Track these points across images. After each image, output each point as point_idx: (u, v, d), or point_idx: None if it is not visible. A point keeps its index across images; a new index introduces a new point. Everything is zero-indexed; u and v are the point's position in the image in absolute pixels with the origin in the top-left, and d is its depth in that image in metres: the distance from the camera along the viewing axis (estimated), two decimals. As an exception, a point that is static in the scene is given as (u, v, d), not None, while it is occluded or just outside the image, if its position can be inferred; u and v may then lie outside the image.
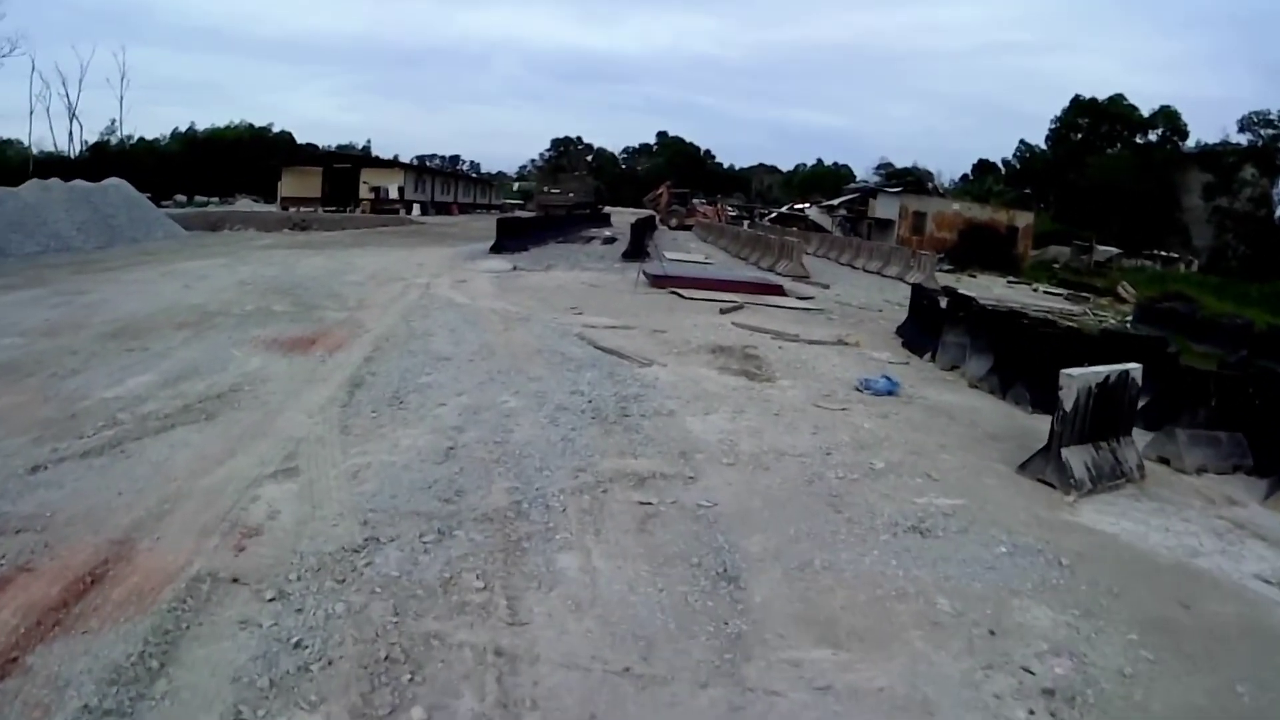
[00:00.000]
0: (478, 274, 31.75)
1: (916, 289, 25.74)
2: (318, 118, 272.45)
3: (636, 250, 40.40)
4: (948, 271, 47.58)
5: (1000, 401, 16.97)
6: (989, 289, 44.85)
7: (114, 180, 45.83)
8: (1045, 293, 48.15)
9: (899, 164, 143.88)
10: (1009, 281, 52.59)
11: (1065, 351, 15.66)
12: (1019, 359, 17.40)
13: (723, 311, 25.25)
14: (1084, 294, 48.54)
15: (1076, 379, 11.85)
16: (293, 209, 76.21)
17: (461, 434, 11.69)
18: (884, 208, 74.22)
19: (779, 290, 31.23)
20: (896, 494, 10.67)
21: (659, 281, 30.46)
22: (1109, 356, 14.52)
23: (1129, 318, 38.71)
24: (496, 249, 40.39)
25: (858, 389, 16.52)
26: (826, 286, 35.86)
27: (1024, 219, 69.64)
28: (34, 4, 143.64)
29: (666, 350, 18.66)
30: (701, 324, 22.74)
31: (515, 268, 34.51)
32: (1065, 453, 11.70)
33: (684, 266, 36.46)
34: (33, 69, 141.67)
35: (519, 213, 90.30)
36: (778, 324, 23.84)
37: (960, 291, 25.29)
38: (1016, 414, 15.92)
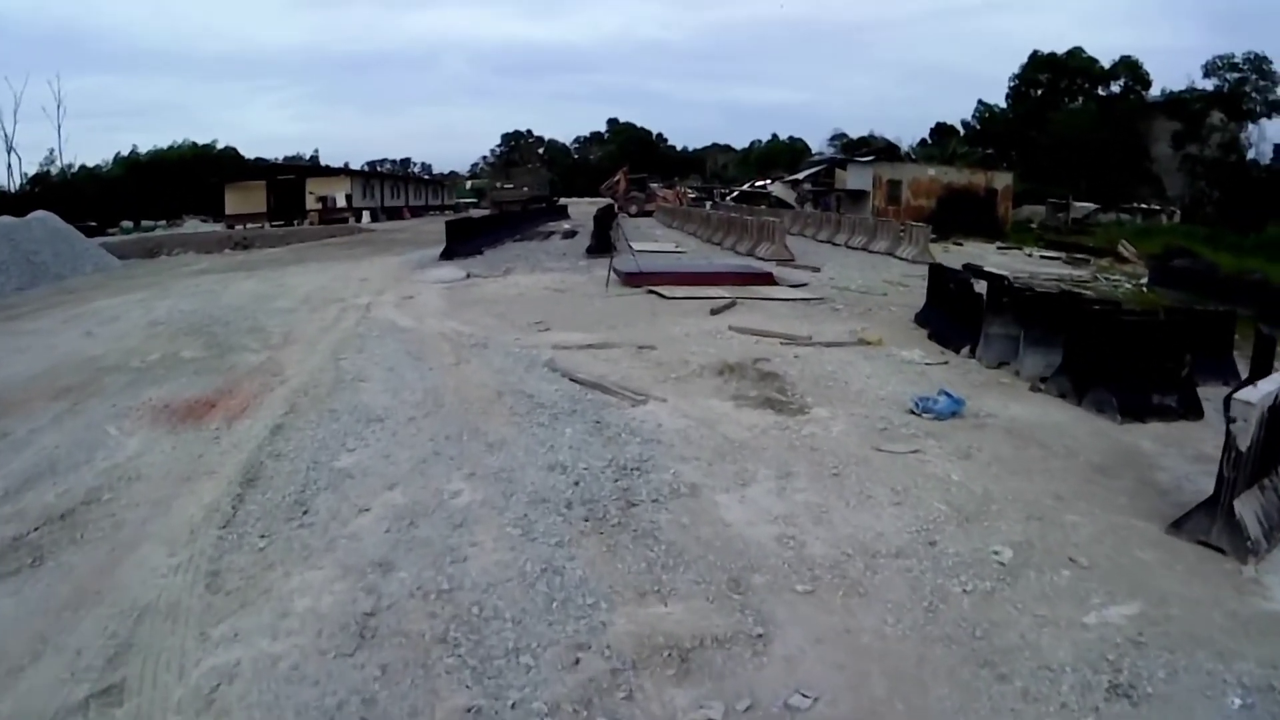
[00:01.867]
0: (426, 286, 27.69)
1: (936, 270, 21.97)
2: (267, 131, 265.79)
3: (602, 244, 35.91)
4: (932, 241, 43.61)
5: (1078, 409, 13.79)
6: (983, 258, 41.01)
7: (39, 214, 42.59)
8: (1041, 258, 44.32)
9: (854, 134, 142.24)
10: (999, 247, 48.88)
11: (1147, 340, 14.02)
12: (1093, 353, 14.35)
13: (714, 312, 21.41)
14: (1082, 256, 44.71)
15: (1256, 403, 8.35)
16: (238, 226, 72.23)
17: (388, 577, 7.64)
18: (856, 178, 69.82)
19: (769, 279, 27.45)
20: (1055, 612, 7.20)
21: (634, 279, 26.43)
22: (1184, 339, 14.16)
23: (1143, 280, 34.99)
24: (447, 255, 36.08)
25: (913, 411, 13.03)
26: (817, 269, 31.95)
27: (1003, 180, 65.83)
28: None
29: (662, 375, 14.88)
30: (694, 331, 18.97)
31: (469, 275, 30.40)
32: (1237, 505, 8.40)
33: (658, 259, 32.24)
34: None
35: (472, 211, 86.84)
36: (781, 323, 20.15)
37: (987, 269, 21.24)
38: (1106, 427, 12.92)
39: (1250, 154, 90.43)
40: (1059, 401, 14.11)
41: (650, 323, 20.19)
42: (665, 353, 16.52)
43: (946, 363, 16.89)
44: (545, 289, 26.34)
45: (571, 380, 14.23)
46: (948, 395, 13.38)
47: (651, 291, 24.74)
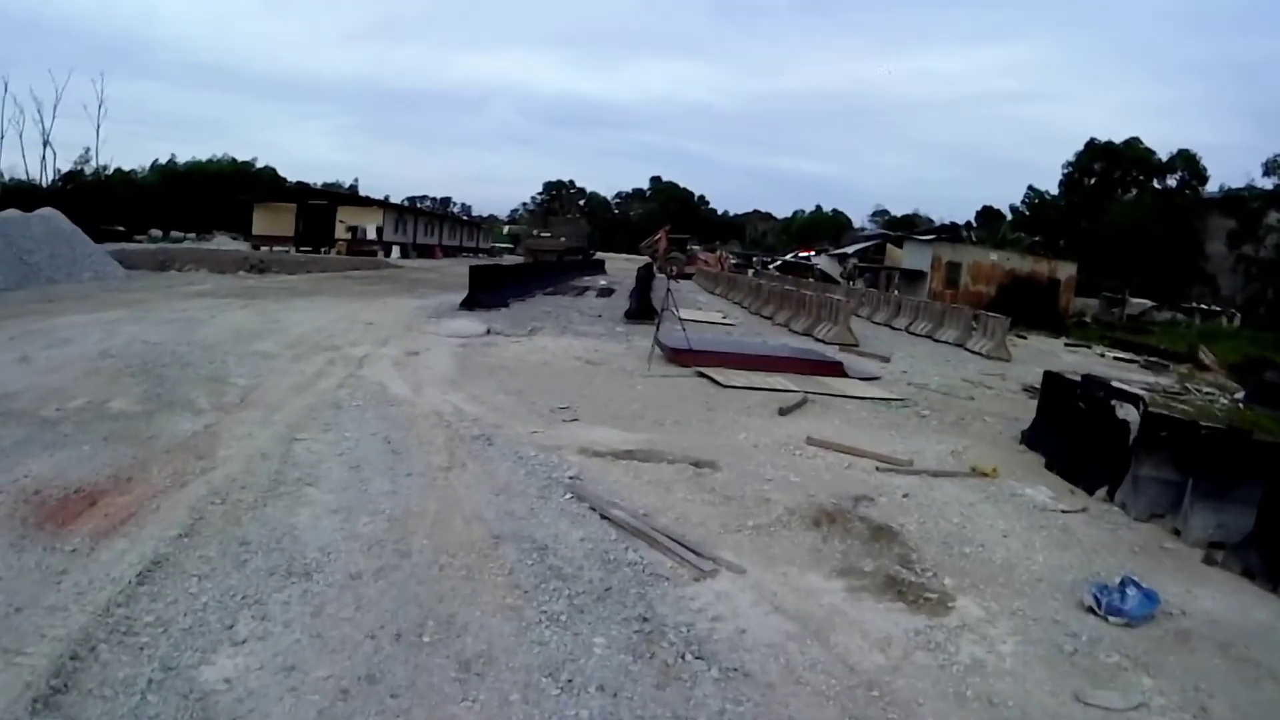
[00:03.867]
0: (438, 341, 23.32)
1: (1053, 380, 17.59)
2: (310, 157, 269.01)
3: (643, 309, 31.63)
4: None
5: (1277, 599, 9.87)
6: (1054, 356, 36.99)
7: (45, 211, 40.07)
8: (1115, 359, 39.92)
9: (896, 211, 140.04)
10: (1066, 344, 44.53)
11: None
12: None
13: (783, 412, 17.02)
14: (1158, 360, 40.18)
15: None
16: (263, 248, 69.94)
17: None
18: (912, 257, 65.40)
19: (839, 370, 22.97)
20: None
21: (681, 357, 22.00)
22: None
23: (1237, 395, 30.62)
24: (468, 304, 31.73)
25: (1093, 610, 8.95)
26: (886, 359, 27.51)
27: (1066, 270, 61.34)
28: (31, 33, 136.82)
29: (733, 519, 10.50)
30: (764, 441, 14.56)
31: (489, 330, 25.94)
32: None
33: (706, 333, 27.74)
34: (4, 92, 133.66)
35: (506, 258, 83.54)
36: (866, 433, 15.97)
37: (1117, 385, 16.78)
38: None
39: None
40: (1248, 585, 10.23)
41: (706, 421, 15.87)
42: (732, 475, 12.16)
43: (1085, 510, 12.65)
44: (576, 359, 21.97)
45: (604, 518, 9.84)
46: (1134, 585, 9.17)
47: (702, 374, 20.42)
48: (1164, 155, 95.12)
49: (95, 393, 14.21)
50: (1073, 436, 15.18)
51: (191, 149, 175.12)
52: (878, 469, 13.39)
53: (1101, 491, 13.38)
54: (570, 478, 11.19)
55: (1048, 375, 18.26)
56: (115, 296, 28.95)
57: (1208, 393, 31.03)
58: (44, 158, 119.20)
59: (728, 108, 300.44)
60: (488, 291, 33.36)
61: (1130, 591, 9.00)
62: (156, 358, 17.39)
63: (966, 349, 32.96)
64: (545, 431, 13.80)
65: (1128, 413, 13.84)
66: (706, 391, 18.74)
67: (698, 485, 11.50)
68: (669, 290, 24.14)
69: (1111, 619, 8.71)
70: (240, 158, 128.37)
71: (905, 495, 12.11)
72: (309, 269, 52.49)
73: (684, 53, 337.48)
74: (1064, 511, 12.39)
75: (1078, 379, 17.34)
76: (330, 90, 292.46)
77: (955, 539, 10.56)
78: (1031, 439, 16.68)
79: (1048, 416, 16.86)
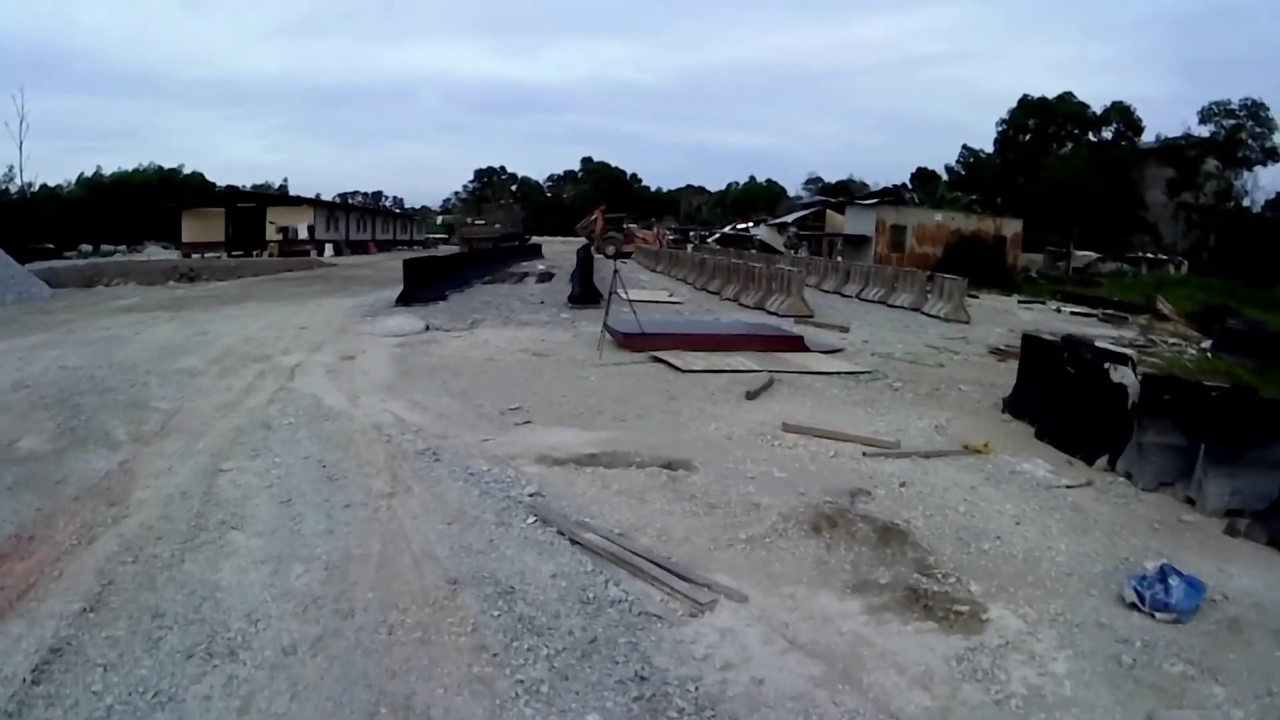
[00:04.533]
0: (374, 342, 21.84)
1: (1034, 344, 16.56)
2: (239, 160, 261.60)
3: (587, 293, 30.35)
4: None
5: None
6: (1011, 314, 36.34)
7: None
8: (1071, 314, 39.09)
9: (829, 179, 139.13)
10: (1020, 301, 43.69)
11: None
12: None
13: (750, 396, 15.80)
14: (1116, 313, 39.32)
15: None
16: (195, 255, 67.42)
17: None
18: (856, 222, 64.28)
19: (800, 344, 21.75)
20: None
21: (633, 341, 20.69)
22: None
23: (1204, 345, 29.97)
24: (405, 299, 30.08)
25: (1137, 606, 7.93)
26: (845, 329, 26.38)
27: (1012, 227, 60.42)
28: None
29: (722, 531, 9.25)
30: (738, 431, 13.36)
31: (427, 326, 24.49)
32: None
33: (655, 313, 26.26)
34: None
35: (441, 248, 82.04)
36: (841, 413, 14.96)
37: (1111, 348, 15.65)
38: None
39: (1245, 201, 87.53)
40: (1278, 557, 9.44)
41: (670, 412, 14.58)
42: (711, 477, 10.87)
43: (1090, 483, 11.66)
44: (522, 351, 20.57)
45: (575, 544, 8.52)
46: (1175, 574, 8.19)
47: (657, 359, 19.14)
48: (1098, 109, 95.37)
49: (4, 431, 12.74)
50: (1062, 402, 14.27)
51: (119, 160, 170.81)
52: (865, 454, 12.29)
53: (1102, 461, 12.51)
54: (531, 495, 9.87)
55: (1027, 338, 17.29)
56: (37, 319, 27.00)
57: (1173, 344, 30.44)
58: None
59: (655, 85, 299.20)
60: (424, 285, 31.83)
61: (1173, 582, 8.05)
62: (74, 385, 15.84)
63: (923, 313, 31.94)
64: (497, 438, 12.47)
65: (1123, 375, 12.93)
66: (665, 378, 17.49)
67: (675, 492, 10.22)
68: (615, 271, 22.75)
69: (1159, 615, 7.76)
70: (167, 165, 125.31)
71: (903, 484, 11.00)
72: (240, 273, 50.67)
73: (608, 32, 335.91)
74: (1069, 487, 11.46)
75: (1058, 340, 16.42)
76: (255, 92, 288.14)
77: (968, 532, 9.48)
78: (1015, 406, 15.73)
79: (1030, 382, 15.89)
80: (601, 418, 13.97)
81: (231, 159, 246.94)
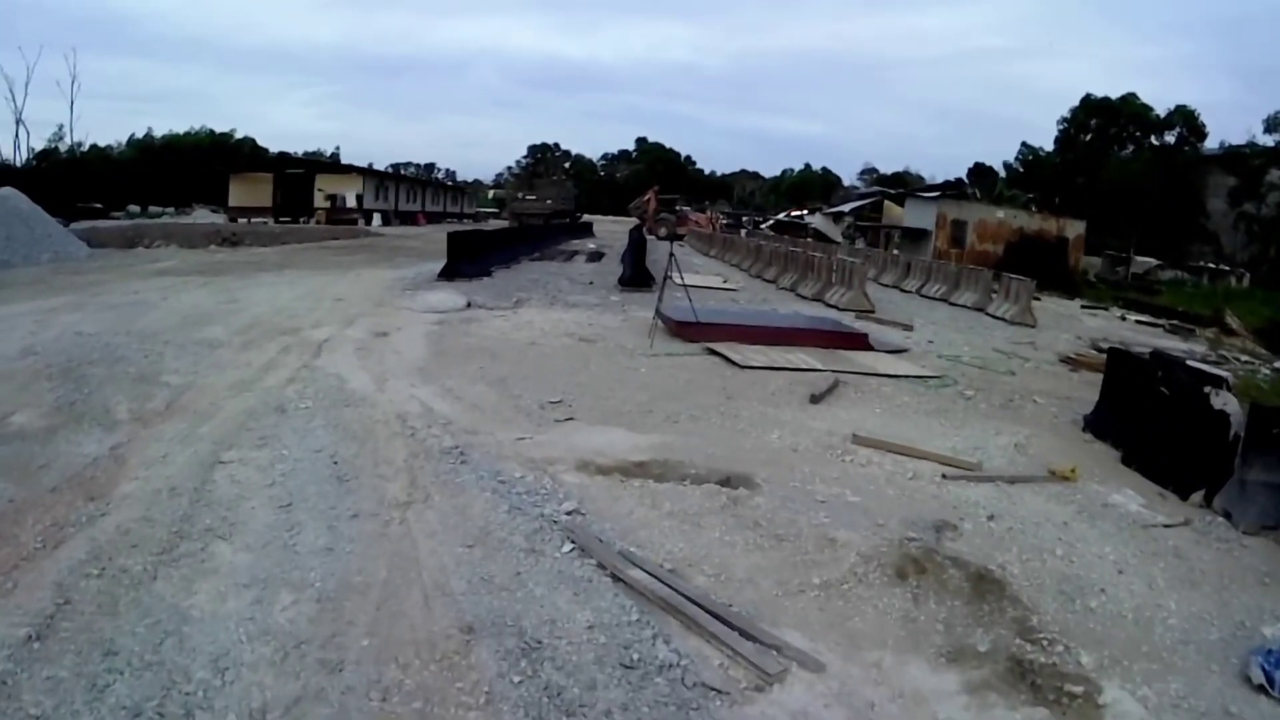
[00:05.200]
0: (412, 318, 20.52)
1: (1122, 359, 15.09)
2: (292, 128, 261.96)
3: (639, 275, 28.93)
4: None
5: None
6: (1075, 319, 34.41)
7: (2, 191, 36.83)
8: (1137, 323, 37.06)
9: (884, 170, 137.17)
10: (1083, 306, 41.58)
11: None
12: None
13: (815, 400, 14.34)
14: (1183, 325, 37.37)
15: None
16: (241, 220, 66.68)
17: None
18: (915, 215, 62.28)
19: (864, 342, 20.24)
20: None
21: (686, 330, 19.23)
22: None
23: (1278, 364, 28.23)
24: (448, 274, 28.67)
25: (1266, 690, 6.67)
26: (909, 328, 24.80)
27: (1074, 229, 58.11)
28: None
29: (791, 571, 7.83)
30: (803, 443, 11.87)
31: (469, 304, 23.11)
32: None
33: (708, 299, 24.49)
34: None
35: (491, 222, 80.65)
36: (912, 423, 13.63)
37: (1208, 369, 14.22)
38: None
39: None
40: None
41: (728, 415, 13.10)
42: (776, 498, 9.44)
43: (1187, 522, 10.35)
44: (567, 335, 19.13)
45: (617, 580, 7.12)
46: None
47: (712, 351, 17.71)
48: (1161, 112, 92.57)
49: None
50: (1153, 427, 12.80)
51: (171, 123, 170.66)
52: (944, 476, 10.86)
53: (1197, 496, 11.16)
54: (568, 513, 8.47)
55: (1113, 352, 15.88)
56: (68, 279, 26.13)
57: (1245, 361, 28.78)
58: (17, 137, 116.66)
59: (712, 67, 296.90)
60: (469, 260, 30.41)
61: (1307, 661, 6.85)
62: (85, 354, 14.71)
63: (988, 314, 30.17)
64: (534, 437, 11.11)
65: (1224, 401, 11.55)
66: (722, 374, 16.03)
67: (736, 517, 8.77)
68: (671, 255, 21.28)
69: (1290, 696, 6.54)
70: (219, 129, 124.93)
71: (991, 517, 9.61)
72: (284, 240, 49.70)
73: (666, 13, 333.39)
74: (1166, 526, 10.12)
75: (1147, 356, 15.25)
76: (311, 60, 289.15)
77: (1071, 583, 8.14)
78: (1097, 425, 14.25)
79: (1115, 400, 14.35)
80: (652, 417, 12.57)
81: (285, 126, 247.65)
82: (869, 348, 19.81)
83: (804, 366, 16.81)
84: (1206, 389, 11.87)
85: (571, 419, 12.18)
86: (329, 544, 7.52)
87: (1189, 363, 14.63)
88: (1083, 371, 20.32)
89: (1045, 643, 6.85)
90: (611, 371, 15.59)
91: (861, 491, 9.91)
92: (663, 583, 7.02)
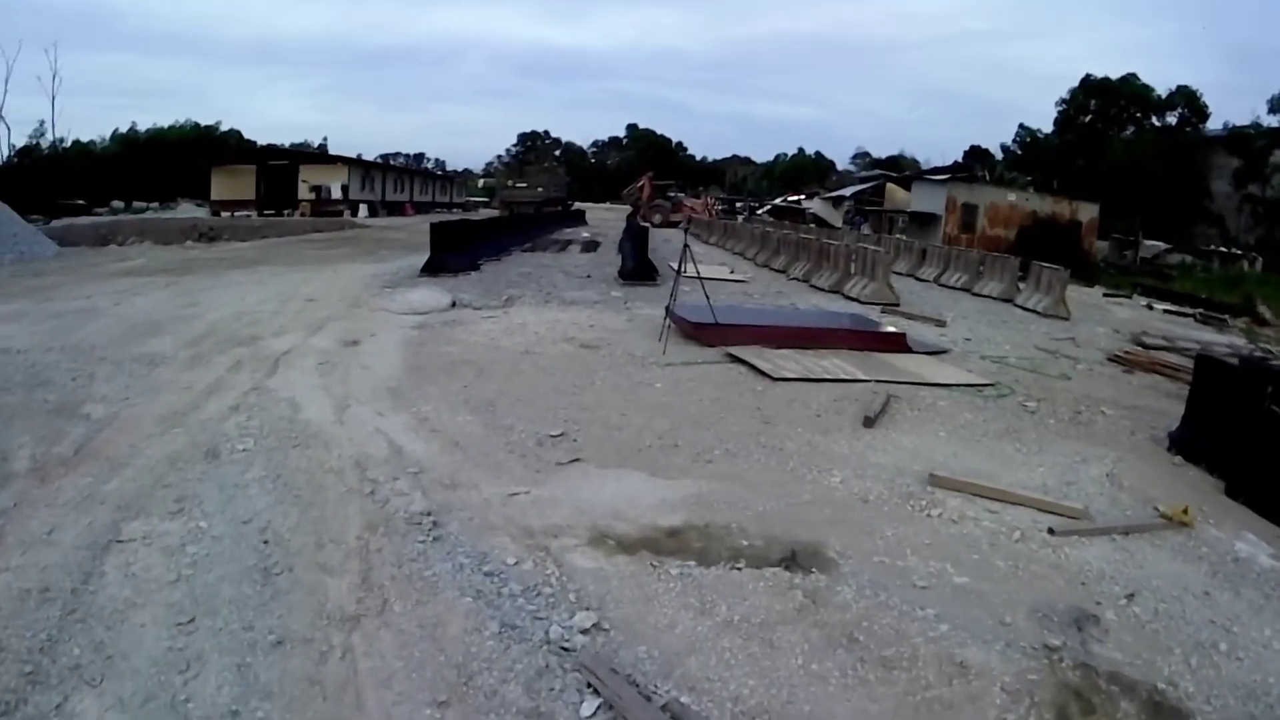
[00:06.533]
0: (388, 321, 18.04)
1: (1212, 367, 12.80)
2: (280, 120, 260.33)
3: (641, 267, 26.51)
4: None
5: None
6: (1103, 309, 32.05)
7: None
8: (1165, 313, 34.57)
9: (877, 154, 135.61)
10: (1106, 294, 39.17)
11: None
12: None
13: (869, 423, 11.84)
14: (1213, 314, 34.94)
15: None
16: (225, 213, 64.24)
17: None
18: (924, 199, 59.40)
19: (903, 343, 17.85)
20: None
21: (703, 333, 16.76)
22: None
23: (1336, 357, 25.96)
24: (431, 269, 26.08)
25: None
26: (942, 323, 22.41)
27: (1087, 212, 55.47)
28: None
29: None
30: (873, 490, 9.40)
31: (454, 303, 20.56)
32: None
33: (720, 293, 21.60)
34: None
35: (481, 211, 78.54)
36: (983, 448, 11.42)
37: None
38: None
39: None
40: None
41: (771, 447, 10.59)
42: (865, 587, 6.98)
43: None
44: (566, 340, 16.60)
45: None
46: None
47: (735, 359, 15.29)
48: (1162, 92, 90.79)
49: None
50: (1265, 453, 10.52)
51: (156, 118, 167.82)
52: (1052, 531, 8.57)
53: None
54: (585, 631, 5.97)
55: (1202, 361, 13.48)
56: (23, 283, 23.45)
57: None
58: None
59: (702, 53, 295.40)
60: (454, 252, 27.76)
61: None
62: (6, 376, 12.33)
63: (1016, 305, 27.77)
64: (531, 491, 8.58)
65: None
66: (752, 388, 13.54)
67: (819, 627, 6.24)
68: (685, 245, 18.72)
69: None
70: (204, 122, 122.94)
71: (1129, 596, 7.36)
72: (264, 234, 46.99)
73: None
74: None
75: (1245, 365, 13.52)
76: (300, 51, 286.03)
77: (1256, 700, 6.06)
78: (1185, 445, 12.15)
79: (1206, 416, 12.14)
80: (678, 454, 10.07)
81: (272, 119, 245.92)
82: (908, 349, 17.46)
83: (845, 377, 14.42)
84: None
85: (578, 459, 9.68)
86: (234, 702, 5.03)
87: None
88: (1137, 373, 18.27)
89: None
90: (622, 388, 13.09)
91: (966, 566, 7.50)
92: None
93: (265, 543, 7.14)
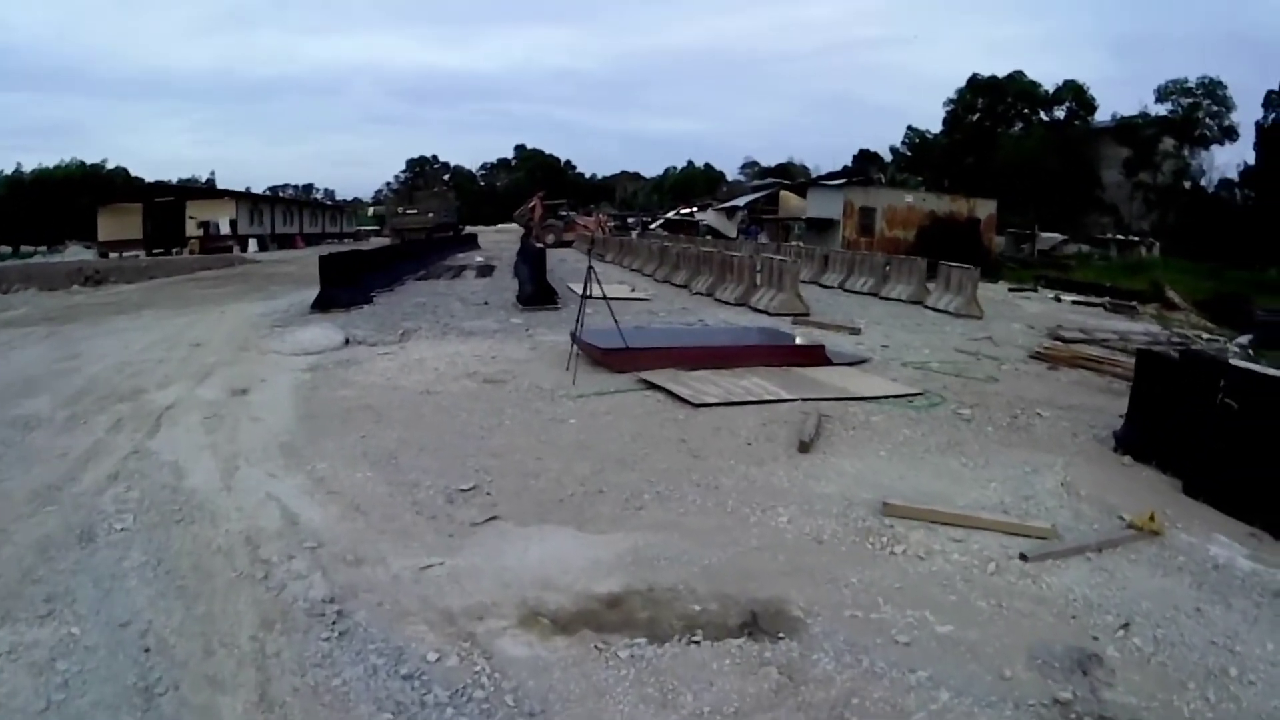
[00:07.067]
0: (279, 364, 16.83)
1: (1152, 361, 12.46)
2: (167, 156, 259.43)
3: (540, 290, 25.54)
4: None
5: None
6: (1012, 305, 32.26)
7: None
8: (1074, 303, 35.05)
9: (766, 162, 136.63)
10: (1010, 289, 39.46)
11: None
12: None
13: (804, 448, 11.04)
14: (1122, 302, 35.26)
15: None
16: (114, 254, 62.71)
17: None
18: (820, 205, 59.49)
19: (822, 355, 17.12)
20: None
21: (614, 359, 15.85)
22: None
23: (1240, 339, 26.88)
24: (322, 304, 24.67)
25: None
26: (856, 331, 21.77)
27: (985, 209, 56.61)
28: None
29: None
30: (826, 526, 8.62)
31: (348, 340, 19.30)
32: None
33: (625, 314, 20.44)
34: None
35: (373, 240, 77.34)
36: (928, 465, 10.86)
37: (1262, 370, 11.42)
38: None
39: (1202, 181, 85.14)
40: None
41: (706, 485, 9.72)
42: (844, 653, 6.15)
43: None
44: (469, 376, 15.54)
45: None
46: None
47: (651, 385, 14.42)
48: (1049, 88, 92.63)
49: None
50: (1219, 447, 10.28)
51: (43, 158, 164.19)
52: (1024, 557, 7.97)
53: None
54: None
55: (1145, 356, 13.04)
56: None
57: (1210, 339, 26.74)
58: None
59: (590, 71, 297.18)
60: (345, 285, 26.45)
61: None
62: None
63: (926, 307, 27.53)
64: (446, 561, 7.56)
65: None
66: (673, 417, 12.65)
67: (804, 712, 5.35)
68: (590, 267, 17.79)
69: None
70: (90, 161, 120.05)
71: (1124, 626, 6.84)
72: (152, 274, 45.44)
73: (542, 18, 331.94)
74: None
75: (1175, 356, 12.91)
76: (185, 86, 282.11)
77: None
78: (1131, 444, 11.96)
79: (1154, 413, 11.80)
80: (605, 501, 9.15)
81: (160, 155, 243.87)
82: (828, 361, 16.83)
83: (769, 397, 13.70)
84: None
85: (494, 517, 8.65)
86: None
87: (1255, 368, 11.74)
88: (1063, 369, 18.13)
89: None
90: (533, 427, 12.09)
91: (946, 611, 6.76)
92: None
93: (146, 651, 6.08)
